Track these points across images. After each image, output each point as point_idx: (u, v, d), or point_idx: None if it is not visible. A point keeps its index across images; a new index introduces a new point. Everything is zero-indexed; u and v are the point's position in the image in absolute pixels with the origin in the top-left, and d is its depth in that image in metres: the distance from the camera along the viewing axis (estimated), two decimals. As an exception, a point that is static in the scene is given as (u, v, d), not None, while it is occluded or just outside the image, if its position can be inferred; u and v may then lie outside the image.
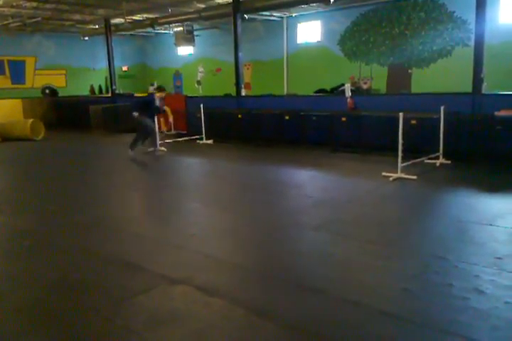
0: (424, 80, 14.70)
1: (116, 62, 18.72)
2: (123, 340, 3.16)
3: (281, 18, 17.81)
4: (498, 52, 12.28)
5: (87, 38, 20.79)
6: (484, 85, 9.33)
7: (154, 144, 10.63)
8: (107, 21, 17.53)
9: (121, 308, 3.55)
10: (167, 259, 4.52)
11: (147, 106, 10.20)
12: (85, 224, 5.71)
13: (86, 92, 21.21)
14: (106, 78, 20.17)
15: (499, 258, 4.20)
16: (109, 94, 18.48)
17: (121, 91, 18.64)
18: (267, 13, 16.54)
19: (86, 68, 22.25)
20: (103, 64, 19.97)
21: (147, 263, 4.39)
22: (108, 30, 17.66)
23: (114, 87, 18.00)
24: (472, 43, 9.90)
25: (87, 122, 16.40)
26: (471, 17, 10.96)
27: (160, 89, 10.84)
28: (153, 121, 10.40)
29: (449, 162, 8.44)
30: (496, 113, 8.43)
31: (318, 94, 13.96)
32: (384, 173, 7.58)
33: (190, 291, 3.77)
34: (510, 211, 5.70)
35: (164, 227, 5.63)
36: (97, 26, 19.38)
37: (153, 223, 5.90)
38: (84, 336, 3.21)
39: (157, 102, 10.49)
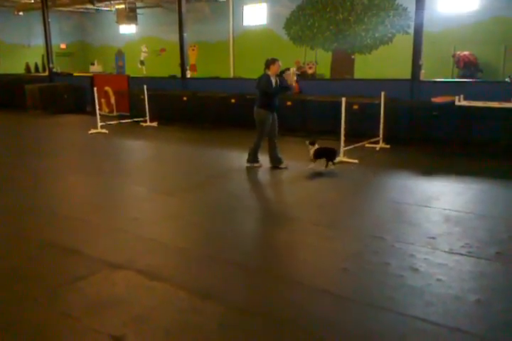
0: (366, 66, 15.02)
1: (54, 40, 17.79)
2: (62, 327, 3.07)
3: (227, -1, 17.56)
4: (437, 40, 12.73)
5: (21, 13, 19.58)
6: (422, 72, 9.66)
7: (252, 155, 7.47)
8: (43, -5, 16.58)
9: (59, 295, 3.44)
10: (108, 244, 4.41)
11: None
12: (20, 209, 5.46)
13: (21, 71, 20.07)
14: (43, 56, 19.16)
15: (433, 237, 4.41)
16: (46, 73, 17.59)
17: (59, 70, 17.80)
18: (213, -7, 16.25)
19: (21, 45, 21.02)
20: (39, 41, 18.92)
21: (87, 248, 4.27)
22: (44, 5, 16.70)
23: (51, 66, 17.14)
24: (412, 31, 10.19)
25: (22, 102, 15.54)
26: (411, 5, 11.25)
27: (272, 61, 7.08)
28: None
29: (388, 146, 8.72)
30: (433, 99, 8.77)
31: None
32: (327, 157, 7.72)
33: (131, 276, 3.71)
34: (445, 193, 5.99)
35: (105, 211, 5.48)
36: (32, 0, 18.28)
37: (93, 207, 5.71)
38: (22, 324, 3.09)
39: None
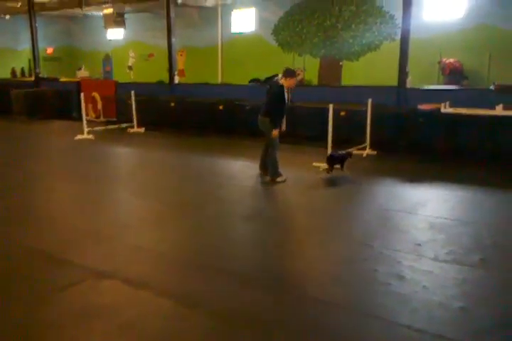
0: (354, 73, 15.13)
1: (41, 44, 17.66)
2: (48, 337, 3.04)
3: (216, 5, 17.58)
4: (423, 47, 12.88)
5: (7, 17, 19.41)
6: (409, 79, 9.77)
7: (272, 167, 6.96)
8: (29, -1, 16.50)
9: (45, 303, 3.41)
10: (94, 252, 4.38)
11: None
12: (5, 216, 5.40)
13: (7, 75, 19.87)
14: (29, 60, 19.01)
15: (419, 244, 4.45)
16: (32, 78, 17.46)
17: (46, 75, 17.67)
18: (201, -1, 16.28)
19: (7, 49, 20.82)
20: (26, 45, 18.77)
21: (73, 256, 4.23)
22: (31, 9, 16.60)
23: (37, 70, 17.02)
24: (399, 38, 10.31)
25: (7, 108, 15.37)
26: (398, 13, 11.38)
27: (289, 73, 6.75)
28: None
29: (375, 153, 8.78)
30: (419, 106, 8.87)
31: (252, 84, 13.98)
32: (314, 163, 7.76)
33: (118, 284, 3.69)
34: (430, 199, 6.05)
35: (91, 218, 5.44)
36: (19, 4, 18.14)
37: (80, 214, 5.67)
38: (6, 334, 3.05)
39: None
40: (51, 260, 4.17)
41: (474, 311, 3.30)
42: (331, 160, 6.94)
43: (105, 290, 3.62)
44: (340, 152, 7.20)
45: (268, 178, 6.94)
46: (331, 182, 6.96)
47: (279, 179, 6.79)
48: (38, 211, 5.70)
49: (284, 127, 6.98)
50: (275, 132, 6.69)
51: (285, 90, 6.59)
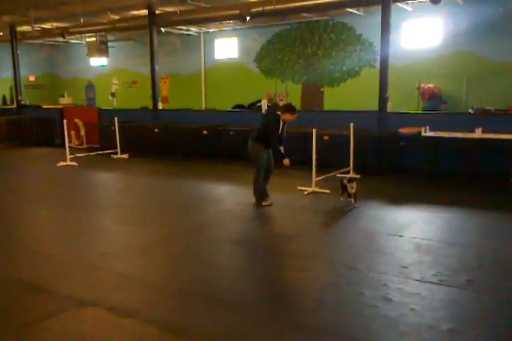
0: (335, 98, 15.41)
1: (23, 72, 17.70)
2: (26, 370, 2.92)
3: (199, 33, 17.91)
4: (403, 73, 13.22)
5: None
6: (389, 104, 9.97)
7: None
8: (12, 28, 16.59)
9: (25, 335, 3.29)
10: (77, 280, 4.27)
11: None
12: (-15, 245, 5.26)
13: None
14: (11, 88, 18.96)
15: (405, 266, 4.45)
16: (14, 105, 17.38)
17: (28, 103, 17.61)
18: (184, 27, 16.55)
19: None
20: (8, 73, 18.74)
21: (55, 284, 4.12)
22: (13, 37, 16.69)
23: (19, 98, 16.98)
24: (378, 65, 10.57)
25: (-11, 135, 15.23)
26: (377, 40, 11.72)
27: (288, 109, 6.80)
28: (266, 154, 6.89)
29: (359, 176, 8.84)
30: (400, 130, 9.02)
31: (235, 110, 14.12)
32: (299, 187, 7.79)
33: (101, 313, 3.58)
34: (415, 221, 6.09)
35: (73, 246, 5.32)
36: (1, 33, 18.23)
37: (61, 241, 5.56)
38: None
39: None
40: (31, 289, 4.05)
41: (464, 333, 3.28)
42: (345, 186, 6.72)
43: (88, 319, 3.51)
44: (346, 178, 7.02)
45: (254, 201, 6.92)
46: (316, 206, 6.97)
47: (265, 202, 6.82)
48: (18, 239, 5.57)
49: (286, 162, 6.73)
50: (287, 161, 6.65)
51: (281, 121, 6.63)
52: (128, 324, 3.42)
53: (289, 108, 6.79)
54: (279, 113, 6.74)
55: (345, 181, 6.77)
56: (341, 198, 6.83)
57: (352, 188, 6.69)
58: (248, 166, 10.18)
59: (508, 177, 7.89)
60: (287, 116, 6.69)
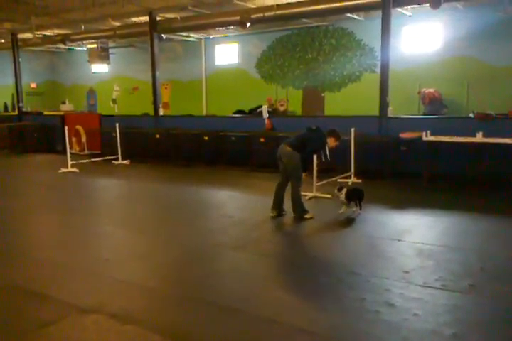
0: (336, 103, 15.42)
1: (24, 79, 17.76)
2: (27, 377, 2.91)
3: (200, 39, 17.97)
4: (403, 78, 13.23)
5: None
6: (390, 109, 9.97)
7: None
8: (13, 36, 16.67)
9: (25, 342, 3.28)
10: (78, 286, 4.26)
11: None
12: (-14, 252, 5.25)
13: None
14: (12, 95, 19.04)
15: (407, 271, 4.43)
16: (16, 112, 17.43)
17: (29, 109, 17.67)
18: (185, 33, 16.62)
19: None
20: (9, 80, 18.83)
21: (56, 291, 4.11)
22: (15, 44, 16.77)
23: (21, 105, 17.03)
24: (378, 70, 10.59)
25: (-9, 142, 15.27)
26: (377, 45, 11.74)
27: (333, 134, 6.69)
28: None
29: (360, 181, 8.85)
30: (401, 135, 9.02)
31: (236, 115, 14.15)
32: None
33: (102, 320, 3.57)
34: (416, 226, 6.07)
35: (74, 252, 5.32)
36: (2, 40, 18.33)
37: (62, 248, 5.55)
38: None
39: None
40: (30, 296, 4.04)
41: (467, 338, 3.26)
42: (350, 196, 6.59)
43: (90, 325, 3.50)
44: (357, 188, 6.92)
45: (292, 216, 6.59)
46: (318, 211, 6.95)
47: (307, 216, 6.48)
48: (19, 245, 5.56)
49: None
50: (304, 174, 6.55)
51: (327, 143, 6.66)
52: (130, 330, 3.40)
53: (334, 133, 6.66)
54: (325, 135, 6.61)
55: (335, 191, 6.71)
56: (341, 210, 6.75)
57: (342, 196, 6.58)
58: (250, 172, 10.22)
59: (510, 182, 7.87)
60: (331, 141, 6.64)
